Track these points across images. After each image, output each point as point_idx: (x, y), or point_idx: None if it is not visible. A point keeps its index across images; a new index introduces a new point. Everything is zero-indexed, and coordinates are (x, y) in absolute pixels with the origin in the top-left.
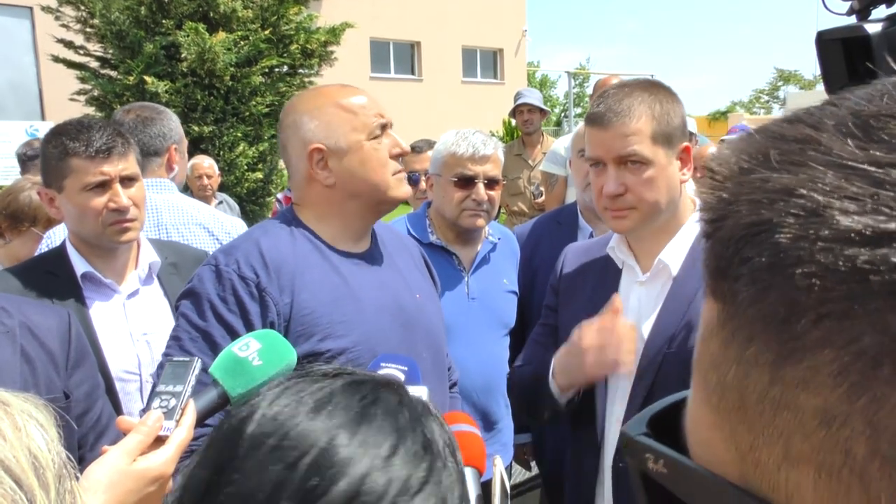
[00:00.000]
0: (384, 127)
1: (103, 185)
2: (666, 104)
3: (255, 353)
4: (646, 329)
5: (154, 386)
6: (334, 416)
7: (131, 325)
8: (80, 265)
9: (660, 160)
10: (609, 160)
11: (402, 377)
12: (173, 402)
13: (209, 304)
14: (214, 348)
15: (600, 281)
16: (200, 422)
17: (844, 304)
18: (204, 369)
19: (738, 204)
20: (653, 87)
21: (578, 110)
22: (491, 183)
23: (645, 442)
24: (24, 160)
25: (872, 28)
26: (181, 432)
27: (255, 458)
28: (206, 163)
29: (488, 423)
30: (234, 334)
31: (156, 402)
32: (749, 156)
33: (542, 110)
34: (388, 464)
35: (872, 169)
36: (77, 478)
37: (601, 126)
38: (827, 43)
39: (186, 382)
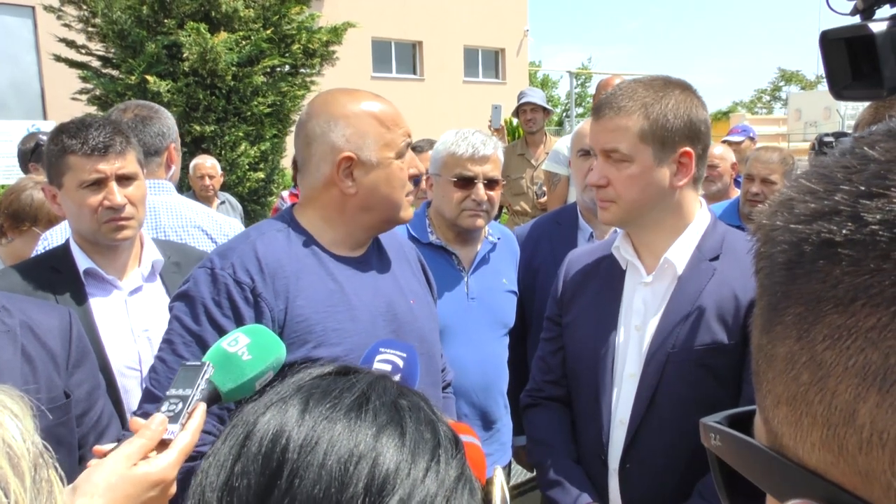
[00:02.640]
0: (408, 146)
1: (99, 183)
2: (670, 104)
3: (245, 347)
4: (651, 329)
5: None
6: (378, 418)
7: (133, 321)
8: (82, 262)
9: (644, 160)
10: (597, 151)
11: (400, 363)
12: (180, 405)
13: (203, 307)
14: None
15: (604, 283)
16: (202, 398)
17: (792, 272)
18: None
19: None
20: (666, 87)
21: (580, 110)
22: (490, 183)
23: (709, 423)
24: (23, 155)
25: (877, 27)
26: (185, 437)
27: (309, 466)
28: (209, 163)
29: (487, 423)
30: None
31: (164, 406)
32: None
33: (545, 109)
34: (436, 463)
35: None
36: (55, 468)
37: (595, 116)
38: (831, 42)
39: (195, 387)
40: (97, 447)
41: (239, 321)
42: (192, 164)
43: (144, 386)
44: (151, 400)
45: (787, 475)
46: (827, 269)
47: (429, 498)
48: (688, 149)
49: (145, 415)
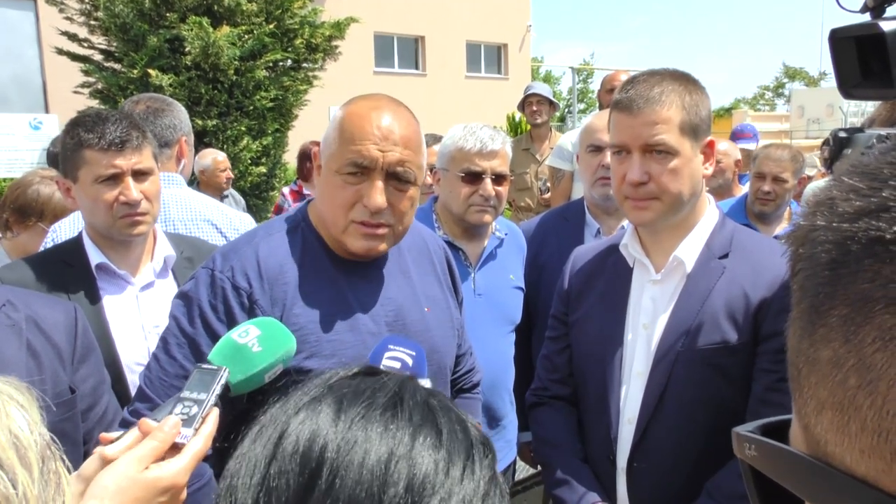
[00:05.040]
0: (365, 169)
1: (115, 178)
2: (695, 95)
3: (255, 339)
4: (659, 328)
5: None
6: (413, 417)
7: (143, 317)
8: (94, 256)
9: (685, 151)
10: (635, 147)
11: (409, 361)
12: (195, 409)
13: (199, 309)
14: (199, 356)
15: (611, 281)
16: (216, 403)
17: (836, 272)
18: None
19: None
20: (683, 78)
21: (582, 106)
22: (498, 178)
23: (743, 433)
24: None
25: (887, 26)
26: (198, 442)
27: (350, 465)
28: (221, 156)
29: (493, 420)
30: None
31: (178, 408)
32: None
33: (551, 102)
34: (471, 464)
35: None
36: (63, 459)
37: (630, 112)
38: (840, 41)
39: (211, 391)
40: (104, 434)
41: (232, 326)
42: (210, 158)
43: (138, 383)
44: (142, 399)
45: (833, 484)
46: (876, 268)
47: (466, 499)
48: (711, 138)
49: (135, 412)
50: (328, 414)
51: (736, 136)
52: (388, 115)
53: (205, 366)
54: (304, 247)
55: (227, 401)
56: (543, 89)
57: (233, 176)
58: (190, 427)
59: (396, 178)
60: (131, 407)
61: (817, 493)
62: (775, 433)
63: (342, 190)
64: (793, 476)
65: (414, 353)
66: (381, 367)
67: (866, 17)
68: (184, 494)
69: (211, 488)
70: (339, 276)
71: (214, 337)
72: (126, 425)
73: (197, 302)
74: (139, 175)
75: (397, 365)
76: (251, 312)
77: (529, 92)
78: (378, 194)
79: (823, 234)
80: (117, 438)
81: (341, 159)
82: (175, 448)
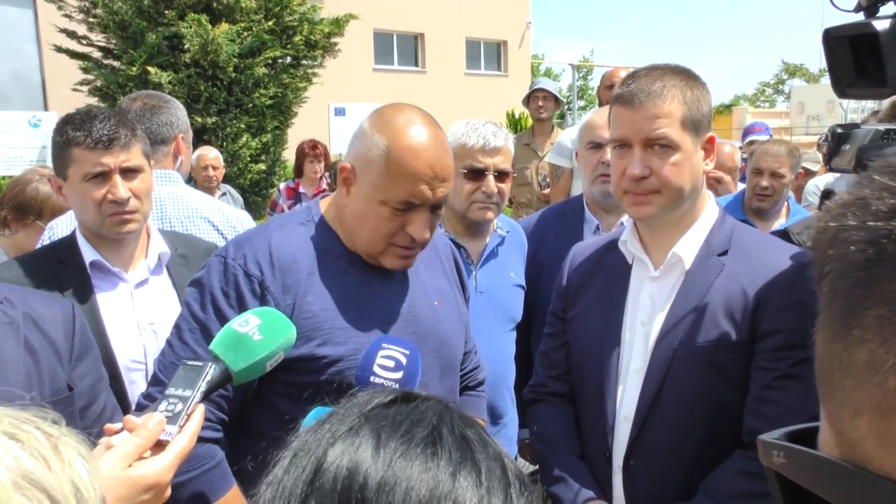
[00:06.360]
0: (413, 206)
1: (103, 176)
2: (696, 90)
3: (255, 328)
4: (657, 325)
5: (152, 387)
6: (453, 455)
7: (138, 314)
8: (88, 253)
9: (686, 146)
10: (636, 141)
11: (403, 360)
12: (179, 406)
13: (211, 296)
14: (210, 342)
15: (610, 278)
16: (202, 399)
17: (871, 272)
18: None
19: None
20: (684, 73)
21: (582, 103)
22: (501, 175)
23: (770, 440)
24: None
25: (880, 25)
26: (183, 439)
27: None
28: (212, 154)
29: (494, 418)
30: None
31: (163, 405)
32: None
33: (556, 99)
34: (509, 501)
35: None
36: None
37: (631, 106)
38: (834, 40)
39: (196, 388)
40: (108, 425)
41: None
42: (195, 155)
43: (152, 370)
44: (156, 383)
45: (871, 489)
46: None
47: None
48: (712, 134)
49: (149, 396)
50: (367, 448)
51: (747, 132)
52: (437, 150)
53: (190, 362)
54: (317, 239)
55: (240, 386)
56: (550, 85)
57: (213, 174)
58: (175, 424)
59: (438, 207)
60: (146, 392)
61: (854, 499)
62: (801, 440)
63: (388, 221)
64: (827, 483)
65: (408, 352)
66: (376, 366)
67: (860, 17)
68: (167, 493)
69: (222, 469)
70: (350, 268)
71: (225, 323)
72: (140, 409)
73: (209, 289)
74: (128, 173)
75: (391, 364)
76: (263, 299)
77: (536, 87)
78: (427, 229)
79: (856, 233)
80: (121, 430)
81: (390, 193)
82: (160, 445)
